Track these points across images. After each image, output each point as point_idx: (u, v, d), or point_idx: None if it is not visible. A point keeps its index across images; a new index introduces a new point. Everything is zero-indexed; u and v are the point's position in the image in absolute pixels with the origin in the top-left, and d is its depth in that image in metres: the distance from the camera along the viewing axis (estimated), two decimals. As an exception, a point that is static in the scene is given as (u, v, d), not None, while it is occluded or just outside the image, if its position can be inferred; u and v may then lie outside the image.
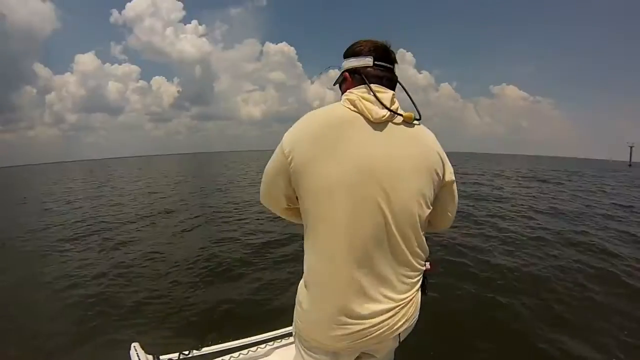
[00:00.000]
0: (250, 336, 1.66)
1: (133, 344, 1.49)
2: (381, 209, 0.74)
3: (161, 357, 1.50)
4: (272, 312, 2.91)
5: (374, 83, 0.82)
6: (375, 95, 0.79)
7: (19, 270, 4.62)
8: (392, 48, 0.86)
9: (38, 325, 2.97)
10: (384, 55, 0.86)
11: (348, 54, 0.89)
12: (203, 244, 5.33)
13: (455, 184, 0.90)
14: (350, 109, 0.80)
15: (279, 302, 3.10)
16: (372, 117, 0.77)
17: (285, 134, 0.82)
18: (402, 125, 0.81)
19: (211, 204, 9.49)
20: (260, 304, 3.15)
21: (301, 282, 0.85)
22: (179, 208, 9.00)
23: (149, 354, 1.48)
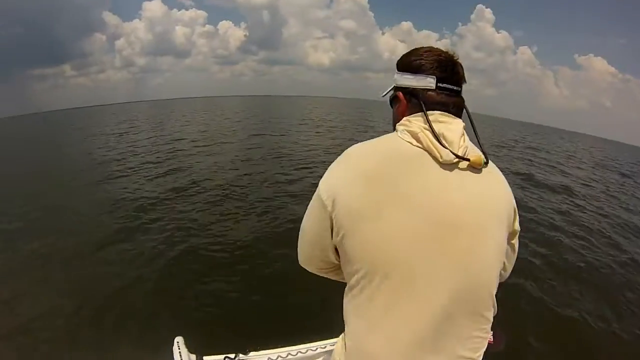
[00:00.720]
0: (301, 344, 1.55)
1: (176, 339, 1.42)
2: (459, 270, 0.59)
3: (205, 357, 1.43)
4: (330, 320, 2.66)
5: (437, 110, 0.68)
6: (436, 137, 0.62)
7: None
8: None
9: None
10: (451, 73, 0.70)
11: (403, 67, 0.73)
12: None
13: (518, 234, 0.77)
14: (412, 143, 0.64)
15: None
16: (441, 158, 0.62)
17: (323, 179, 0.68)
18: (469, 172, 0.64)
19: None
20: (319, 308, 2.88)
21: (340, 342, 0.71)
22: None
23: (192, 353, 1.41)
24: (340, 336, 0.72)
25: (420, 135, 0.64)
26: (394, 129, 0.74)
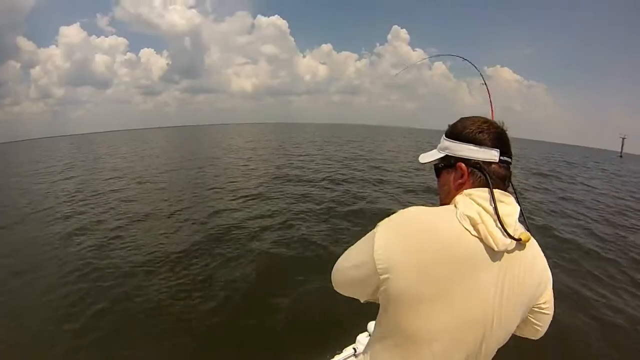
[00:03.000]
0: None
1: None
2: (476, 352, 0.67)
3: None
4: (335, 330, 2.61)
5: (496, 187, 0.68)
6: (500, 220, 0.63)
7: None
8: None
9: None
10: (508, 146, 0.72)
11: (463, 137, 0.72)
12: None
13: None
14: (470, 232, 0.63)
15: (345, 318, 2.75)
16: (497, 247, 0.62)
17: (381, 236, 0.67)
18: (516, 249, 0.67)
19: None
20: (324, 319, 2.96)
21: None
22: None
23: None
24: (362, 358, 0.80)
25: (480, 227, 0.63)
26: (443, 198, 0.77)
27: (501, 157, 0.70)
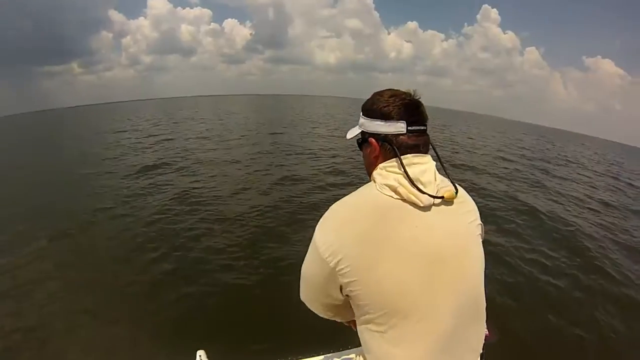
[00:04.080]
0: (320, 354, 1.56)
1: (198, 352, 1.44)
2: (458, 294, 0.70)
3: None
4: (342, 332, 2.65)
5: (410, 154, 0.74)
6: (412, 184, 0.69)
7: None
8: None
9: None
10: (418, 115, 0.76)
11: (372, 113, 0.78)
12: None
13: None
14: (392, 197, 0.70)
15: None
16: (422, 203, 0.69)
17: (318, 235, 0.73)
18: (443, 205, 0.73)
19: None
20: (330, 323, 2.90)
21: (358, 357, 0.83)
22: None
23: None
24: (357, 350, 0.83)
25: (400, 189, 0.69)
26: (369, 175, 0.82)
27: (409, 128, 0.74)
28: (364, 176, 0.81)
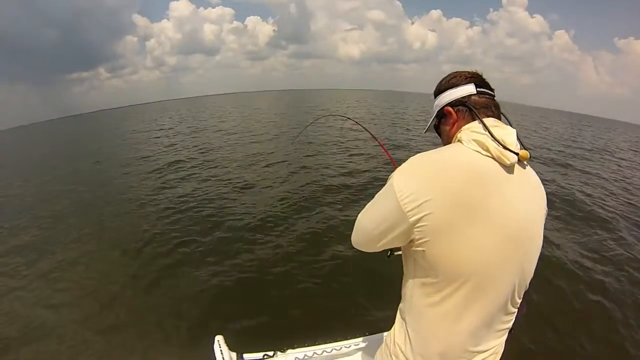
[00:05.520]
0: (338, 341, 1.59)
1: (217, 337, 1.47)
2: (521, 273, 0.72)
3: (245, 355, 1.47)
4: (367, 315, 2.67)
5: (484, 114, 0.78)
6: (493, 136, 0.70)
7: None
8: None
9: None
10: (484, 81, 0.83)
11: (442, 89, 0.85)
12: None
13: None
14: (480, 152, 0.69)
15: (378, 303, 2.80)
16: (509, 160, 0.68)
17: (401, 183, 0.69)
18: (519, 167, 0.72)
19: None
20: (357, 303, 2.86)
21: (397, 333, 0.81)
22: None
23: (233, 351, 1.45)
24: (395, 328, 0.83)
25: (489, 145, 0.69)
26: (447, 144, 0.83)
27: (478, 89, 0.80)
28: None
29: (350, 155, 8.72)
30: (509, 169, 0.69)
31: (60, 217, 5.40)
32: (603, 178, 7.63)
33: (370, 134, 1.62)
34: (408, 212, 0.66)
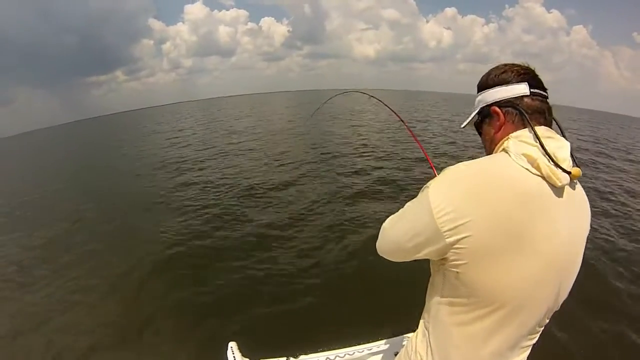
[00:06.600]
0: (350, 346, 1.57)
1: (230, 344, 1.46)
2: (557, 299, 0.68)
3: None
4: (379, 319, 2.56)
5: (536, 121, 0.68)
6: (550, 158, 0.61)
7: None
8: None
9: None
10: (538, 80, 0.71)
11: (490, 84, 0.74)
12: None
13: None
14: (529, 170, 0.61)
15: (390, 306, 2.73)
16: (560, 182, 0.61)
17: (438, 198, 0.61)
18: (568, 186, 0.65)
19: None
20: (369, 307, 2.82)
21: (419, 343, 0.77)
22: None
23: (246, 357, 1.44)
24: (418, 336, 0.79)
25: (540, 162, 0.61)
26: (490, 149, 0.75)
27: (532, 90, 0.69)
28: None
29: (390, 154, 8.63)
30: (559, 190, 0.62)
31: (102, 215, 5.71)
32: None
33: (399, 117, 1.63)
34: (445, 232, 0.60)
